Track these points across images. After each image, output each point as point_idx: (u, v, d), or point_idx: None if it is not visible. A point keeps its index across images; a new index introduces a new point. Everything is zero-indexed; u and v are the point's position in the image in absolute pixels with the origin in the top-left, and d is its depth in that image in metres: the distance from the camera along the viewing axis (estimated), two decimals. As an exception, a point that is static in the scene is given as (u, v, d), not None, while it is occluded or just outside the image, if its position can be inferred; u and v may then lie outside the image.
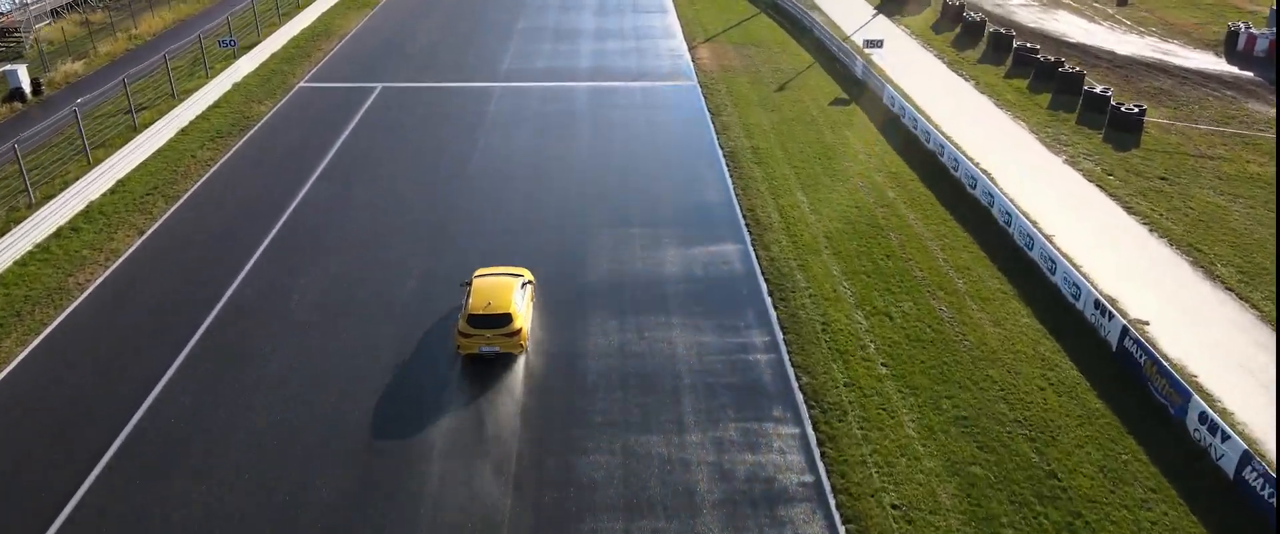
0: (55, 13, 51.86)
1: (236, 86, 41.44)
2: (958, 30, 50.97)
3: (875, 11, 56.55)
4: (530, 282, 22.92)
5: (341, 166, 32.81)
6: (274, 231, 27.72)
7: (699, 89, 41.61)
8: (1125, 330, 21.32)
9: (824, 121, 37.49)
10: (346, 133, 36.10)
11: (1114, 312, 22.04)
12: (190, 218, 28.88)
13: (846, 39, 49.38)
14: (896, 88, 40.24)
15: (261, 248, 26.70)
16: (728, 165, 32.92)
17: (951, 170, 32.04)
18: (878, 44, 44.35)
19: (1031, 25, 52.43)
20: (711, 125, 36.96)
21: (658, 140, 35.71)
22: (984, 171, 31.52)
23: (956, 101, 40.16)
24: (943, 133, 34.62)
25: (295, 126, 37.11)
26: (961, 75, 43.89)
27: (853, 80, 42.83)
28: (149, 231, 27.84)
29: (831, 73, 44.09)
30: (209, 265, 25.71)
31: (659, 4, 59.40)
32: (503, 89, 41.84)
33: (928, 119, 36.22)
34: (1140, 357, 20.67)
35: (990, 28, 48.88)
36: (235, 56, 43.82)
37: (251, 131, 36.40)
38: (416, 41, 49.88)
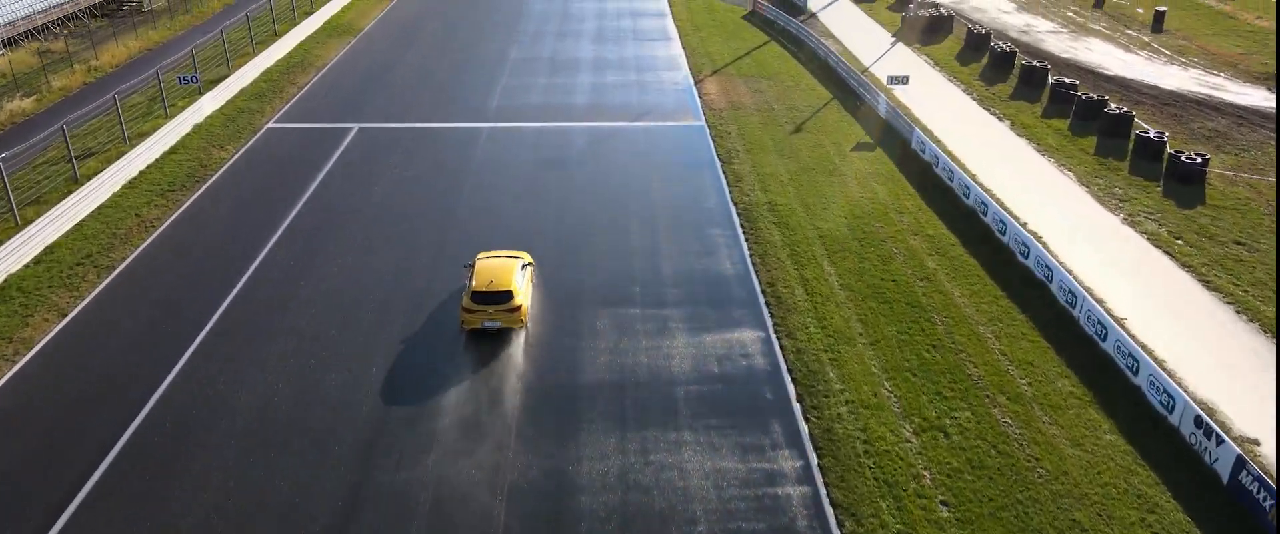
0: (10, 42, 48.09)
1: (197, 129, 37.65)
2: (985, 61, 47.26)
3: (893, 39, 52.92)
4: (530, 263, 24.18)
5: (305, 228, 28.92)
6: (219, 312, 23.82)
7: (707, 130, 37.85)
8: (1241, 462, 17.39)
9: (847, 171, 33.66)
10: (315, 184, 32.25)
11: (1220, 432, 18.12)
12: (123, 295, 24.98)
13: (866, 71, 45.67)
14: (925, 131, 36.48)
15: (201, 335, 22.78)
16: (743, 227, 29.05)
17: (997, 233, 28.17)
18: (903, 81, 40.54)
19: (1063, 55, 48.69)
20: (722, 175, 33.13)
21: (663, 194, 31.79)
22: (1034, 234, 27.69)
23: (992, 146, 36.37)
24: (982, 186, 30.80)
25: (259, 176, 33.28)
26: (994, 114, 40.14)
27: (876, 120, 39.05)
28: (72, 314, 23.94)
29: (852, 111, 40.33)
30: (134, 359, 21.80)
31: (662, 31, 55.82)
32: (491, 130, 38.05)
33: (964, 169, 32.42)
34: (1263, 497, 16.74)
35: (1021, 59, 45.15)
36: (200, 93, 40.05)
37: (209, 182, 32.55)
38: (400, 74, 46.18)
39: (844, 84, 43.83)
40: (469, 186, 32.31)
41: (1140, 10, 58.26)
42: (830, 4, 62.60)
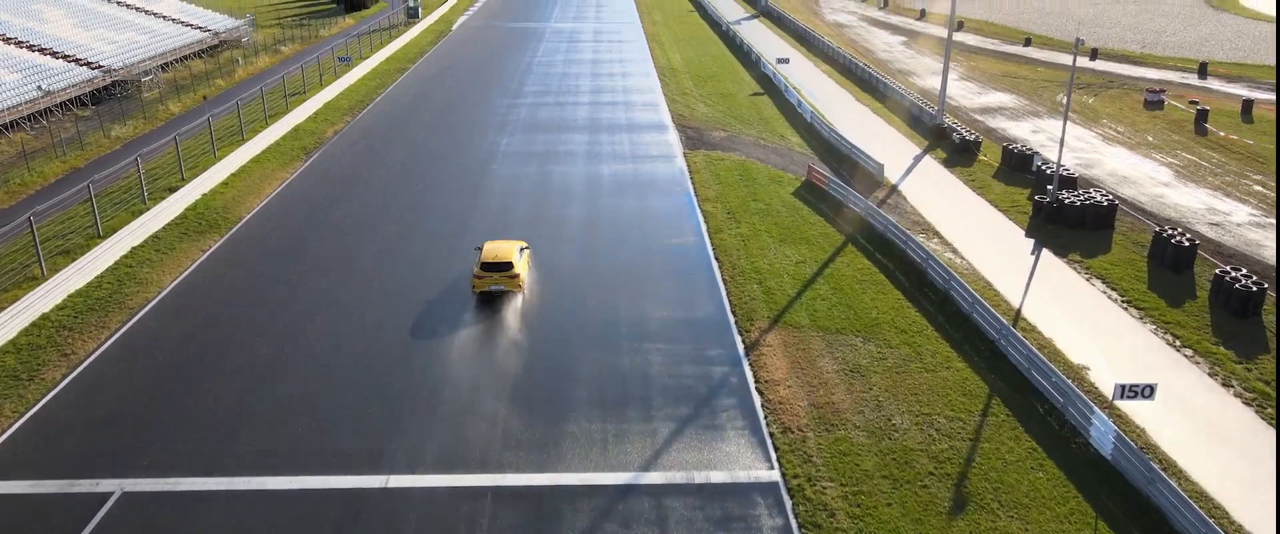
0: None
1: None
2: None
3: (1031, 241, 35.37)
4: (526, 247, 30.38)
5: None
6: None
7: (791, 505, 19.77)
8: None
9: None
10: None
11: None
12: None
13: (1020, 321, 27.91)
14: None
15: None
16: None
17: None
18: (1144, 393, 22.19)
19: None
20: None
21: None
22: None
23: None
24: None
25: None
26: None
27: (1100, 471, 20.96)
28: None
29: (1039, 425, 22.30)
30: None
31: (684, 228, 38.18)
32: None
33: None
34: None
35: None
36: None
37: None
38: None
39: (997, 352, 25.90)
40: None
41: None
42: (911, 169, 45.51)
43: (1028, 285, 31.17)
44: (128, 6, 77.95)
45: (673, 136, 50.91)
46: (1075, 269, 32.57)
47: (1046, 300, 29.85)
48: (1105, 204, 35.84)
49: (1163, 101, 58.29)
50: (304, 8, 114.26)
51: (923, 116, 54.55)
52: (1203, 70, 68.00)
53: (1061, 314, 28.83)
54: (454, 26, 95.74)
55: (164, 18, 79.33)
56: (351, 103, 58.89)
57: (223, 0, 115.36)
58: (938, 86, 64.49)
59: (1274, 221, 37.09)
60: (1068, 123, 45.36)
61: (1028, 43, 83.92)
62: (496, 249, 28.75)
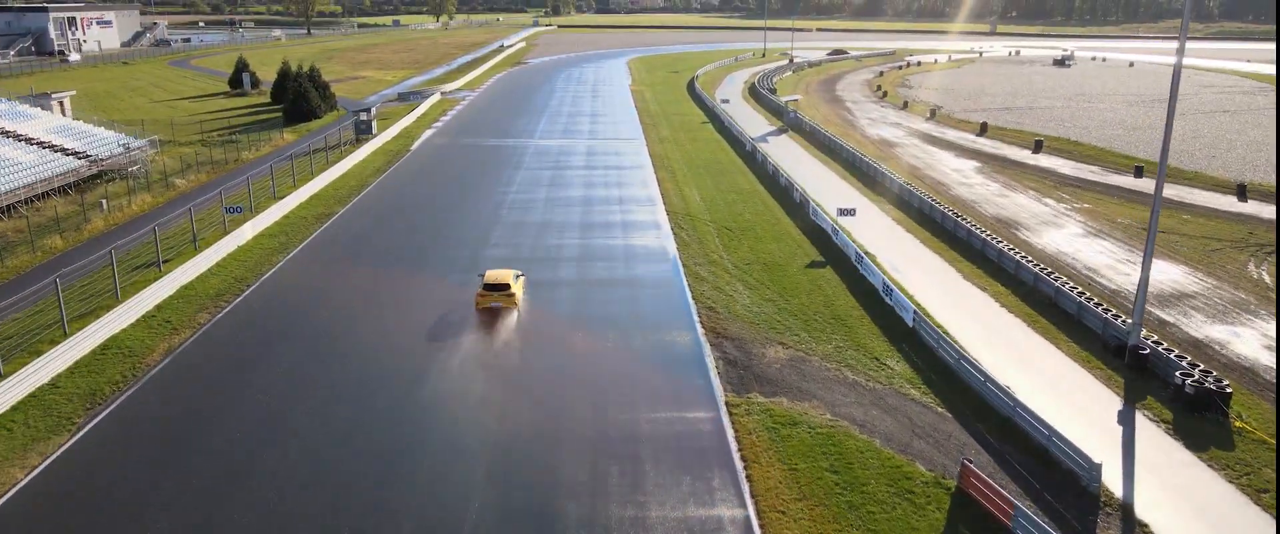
0: None
1: None
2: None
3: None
4: (521, 275, 38.06)
5: None
6: None
7: None
8: None
9: None
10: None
11: None
12: None
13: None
14: None
15: None
16: None
17: None
18: None
19: None
20: None
21: None
22: None
23: None
24: None
25: None
26: None
27: None
28: None
29: None
30: None
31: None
32: None
33: None
34: None
35: None
36: None
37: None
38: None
39: None
40: None
41: None
42: (1130, 451, 26.06)
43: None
44: (-22, 127, 59.88)
45: (705, 363, 31.76)
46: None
47: None
48: None
49: None
50: (249, 115, 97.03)
51: (1085, 317, 35.45)
52: None
53: None
54: (414, 145, 77.75)
55: (30, 142, 61.12)
56: (215, 291, 39.46)
57: (155, 110, 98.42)
58: (1073, 252, 45.95)
59: None
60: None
61: (1140, 173, 65.70)
62: (496, 274, 36.41)
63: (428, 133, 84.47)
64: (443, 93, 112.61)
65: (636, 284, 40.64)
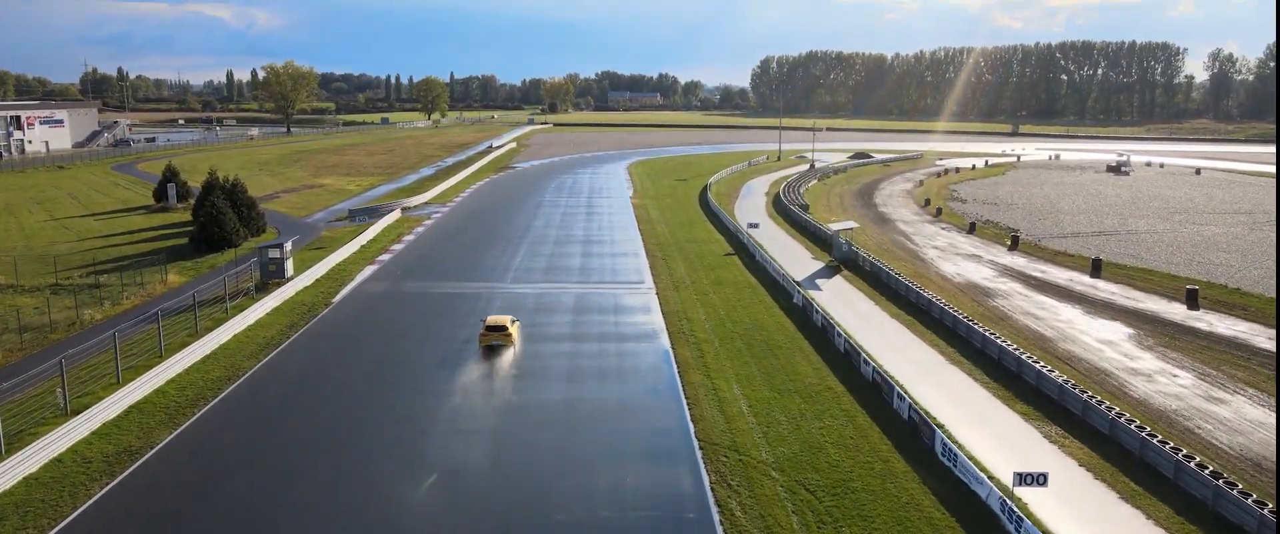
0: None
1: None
2: None
3: None
4: (516, 320, 45.28)
5: None
6: None
7: None
8: None
9: None
10: None
11: None
12: None
13: None
14: None
15: None
16: None
17: None
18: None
19: None
20: None
21: None
22: None
23: None
24: None
25: None
26: None
27: None
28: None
29: None
30: None
31: None
32: None
33: None
34: None
35: None
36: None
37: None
38: None
39: None
40: None
41: None
42: None
43: None
44: None
45: None
46: None
47: None
48: None
49: None
50: (154, 240, 77.11)
51: None
52: None
53: None
54: (343, 292, 57.11)
55: None
56: None
57: (44, 231, 78.57)
58: None
59: None
60: None
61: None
62: (496, 318, 43.95)
63: (366, 271, 63.86)
64: (403, 209, 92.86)
65: None
